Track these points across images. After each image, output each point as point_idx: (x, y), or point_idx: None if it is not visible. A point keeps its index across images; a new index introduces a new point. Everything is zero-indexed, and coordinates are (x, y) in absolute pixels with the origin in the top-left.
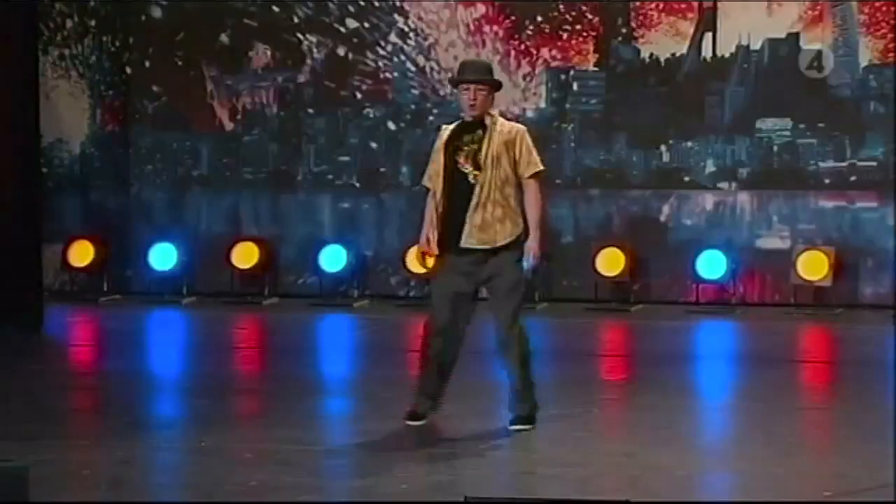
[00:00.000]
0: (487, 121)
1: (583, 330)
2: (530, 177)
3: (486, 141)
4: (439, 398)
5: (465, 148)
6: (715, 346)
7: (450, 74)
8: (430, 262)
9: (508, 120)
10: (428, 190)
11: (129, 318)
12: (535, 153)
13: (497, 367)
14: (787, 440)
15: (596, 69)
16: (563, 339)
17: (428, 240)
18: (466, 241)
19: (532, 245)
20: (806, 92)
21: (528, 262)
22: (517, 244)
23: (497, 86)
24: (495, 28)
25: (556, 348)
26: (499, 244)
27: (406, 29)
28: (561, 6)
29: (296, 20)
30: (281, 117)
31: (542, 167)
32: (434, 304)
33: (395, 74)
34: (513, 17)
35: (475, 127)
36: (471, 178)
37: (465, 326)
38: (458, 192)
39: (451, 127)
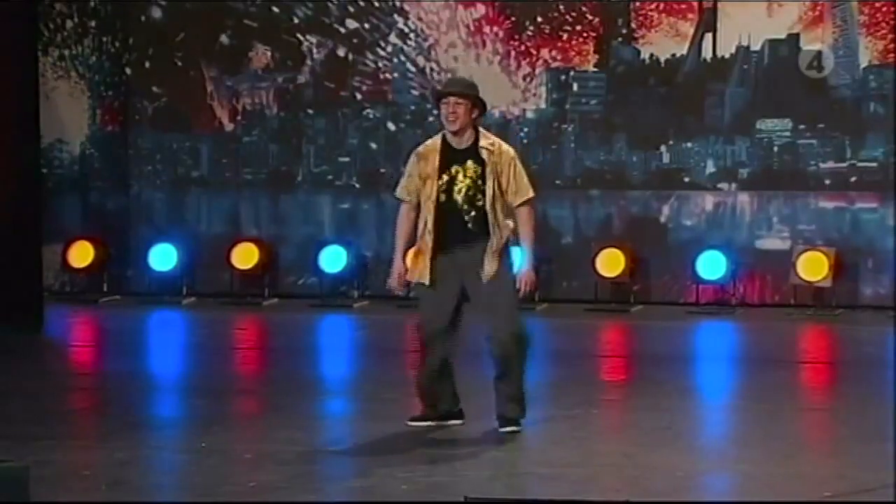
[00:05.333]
0: (483, 152)
1: (583, 331)
2: (521, 204)
3: (484, 178)
4: (451, 402)
5: (459, 184)
6: (715, 347)
7: (450, 75)
8: (416, 270)
9: (495, 135)
10: (401, 202)
11: (128, 319)
12: (525, 179)
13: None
14: (787, 441)
15: (596, 70)
16: (563, 340)
17: (399, 274)
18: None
19: (526, 273)
20: (806, 92)
21: (519, 283)
22: (507, 251)
23: (481, 104)
24: (495, 29)
25: (556, 349)
26: (493, 271)
27: (406, 30)
28: (561, 7)
29: (296, 21)
30: (281, 118)
31: (532, 193)
32: (424, 308)
33: (395, 75)
34: (513, 18)
35: (465, 157)
36: (467, 217)
37: (460, 323)
38: (452, 226)
39: (437, 148)
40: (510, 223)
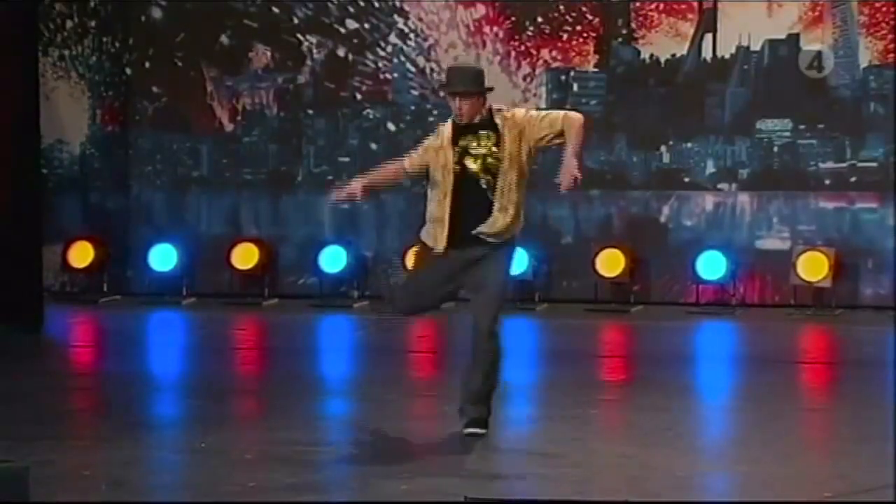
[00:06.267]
0: (498, 120)
1: (583, 331)
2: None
3: (499, 145)
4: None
5: (474, 152)
6: (715, 347)
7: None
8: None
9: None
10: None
11: (128, 319)
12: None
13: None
14: (787, 441)
15: (596, 70)
16: (563, 340)
17: (352, 191)
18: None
19: (568, 162)
20: (806, 92)
21: (562, 176)
22: (513, 241)
23: (487, 91)
24: (495, 29)
25: (555, 349)
26: (505, 238)
27: (406, 30)
28: (561, 7)
29: (296, 21)
30: (281, 118)
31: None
32: (409, 285)
33: (395, 75)
34: (513, 18)
35: (481, 128)
36: (483, 183)
37: (439, 306)
38: (469, 197)
39: (449, 125)
40: (520, 217)
